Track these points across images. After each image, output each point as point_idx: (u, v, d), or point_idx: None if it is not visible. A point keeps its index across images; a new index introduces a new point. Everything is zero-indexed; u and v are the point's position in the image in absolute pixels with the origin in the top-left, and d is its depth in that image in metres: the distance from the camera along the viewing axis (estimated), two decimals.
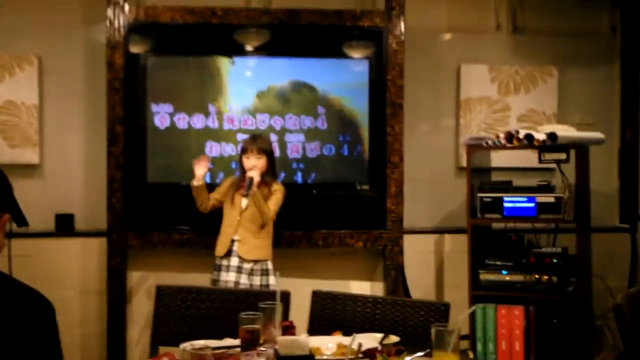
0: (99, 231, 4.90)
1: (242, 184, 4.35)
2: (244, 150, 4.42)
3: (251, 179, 4.27)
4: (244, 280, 4.31)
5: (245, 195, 4.31)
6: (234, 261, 4.34)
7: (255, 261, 4.35)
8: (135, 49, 4.87)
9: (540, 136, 4.42)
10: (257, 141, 4.41)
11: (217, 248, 4.41)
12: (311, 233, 4.92)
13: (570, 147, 4.50)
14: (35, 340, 1.14)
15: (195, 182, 4.40)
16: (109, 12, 4.76)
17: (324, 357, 2.27)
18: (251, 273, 4.33)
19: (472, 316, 4.61)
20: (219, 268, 4.38)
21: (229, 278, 4.32)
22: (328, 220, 4.97)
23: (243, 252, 4.33)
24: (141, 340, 4.91)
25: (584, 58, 5.41)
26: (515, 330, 4.56)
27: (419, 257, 5.14)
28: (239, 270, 4.33)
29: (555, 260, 4.54)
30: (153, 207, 4.92)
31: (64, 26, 5.04)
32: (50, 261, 4.85)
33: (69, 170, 5.05)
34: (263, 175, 4.35)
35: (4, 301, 1.15)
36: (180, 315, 3.14)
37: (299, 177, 4.93)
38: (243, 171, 4.37)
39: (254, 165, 4.32)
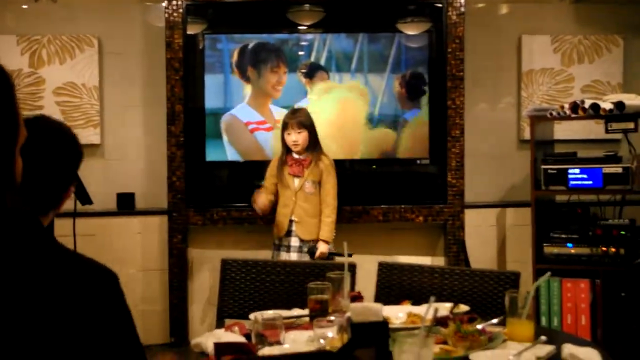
0: (160, 209, 4.95)
1: (288, 160, 4.28)
2: (284, 126, 4.28)
3: (314, 253, 4.17)
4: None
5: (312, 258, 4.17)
6: (294, 241, 4.29)
7: (315, 241, 4.28)
8: (193, 28, 4.87)
9: (606, 105, 4.30)
10: (296, 115, 4.29)
11: (276, 228, 4.35)
12: (371, 208, 4.88)
13: (638, 116, 4.37)
14: (102, 310, 1.14)
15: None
16: None
17: (396, 326, 2.24)
18: None
19: (537, 290, 4.52)
20: (278, 248, 4.34)
21: (290, 258, 4.25)
22: (388, 195, 4.93)
23: (302, 233, 4.28)
24: (204, 316, 4.95)
25: None
26: (582, 304, 4.47)
27: (480, 232, 5.08)
28: (300, 249, 4.27)
29: (622, 232, 4.43)
30: (212, 185, 4.95)
31: (123, 7, 5.07)
32: (113, 240, 4.91)
33: (130, 150, 5.10)
34: (305, 149, 4.25)
35: (64, 274, 1.14)
36: (245, 288, 3.15)
37: (358, 153, 4.90)
38: (285, 147, 4.28)
39: (296, 140, 4.22)
